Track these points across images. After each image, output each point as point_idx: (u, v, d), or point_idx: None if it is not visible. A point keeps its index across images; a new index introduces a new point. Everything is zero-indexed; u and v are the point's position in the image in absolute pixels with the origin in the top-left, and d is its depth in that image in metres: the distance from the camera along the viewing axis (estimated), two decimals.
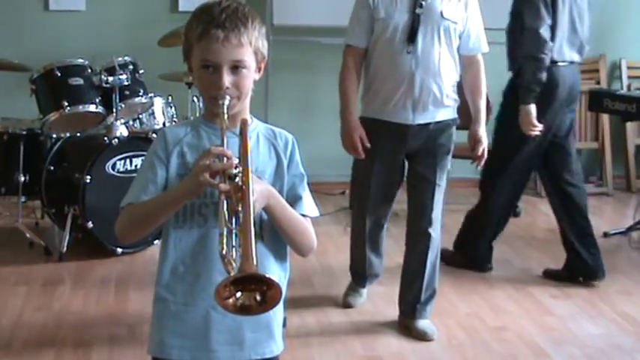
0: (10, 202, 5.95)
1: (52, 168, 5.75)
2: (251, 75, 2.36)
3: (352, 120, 4.43)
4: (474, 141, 4.45)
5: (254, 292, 2.04)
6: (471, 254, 5.50)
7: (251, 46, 2.33)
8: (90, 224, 5.45)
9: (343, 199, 7.11)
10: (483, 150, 4.44)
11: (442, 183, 4.43)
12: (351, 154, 4.48)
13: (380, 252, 4.86)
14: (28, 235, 5.74)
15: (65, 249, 5.56)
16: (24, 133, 5.81)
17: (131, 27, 7.06)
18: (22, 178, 5.73)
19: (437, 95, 4.29)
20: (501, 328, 4.65)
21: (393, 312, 4.76)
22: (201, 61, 2.32)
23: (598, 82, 7.63)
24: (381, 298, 5.01)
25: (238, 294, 2.03)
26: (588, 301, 5.06)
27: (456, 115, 4.43)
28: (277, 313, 2.43)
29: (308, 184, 2.47)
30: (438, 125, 4.36)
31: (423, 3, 4.21)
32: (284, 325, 2.54)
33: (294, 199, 2.40)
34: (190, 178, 2.23)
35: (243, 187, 2.14)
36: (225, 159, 2.19)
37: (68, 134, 5.92)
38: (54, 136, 5.92)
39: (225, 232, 2.13)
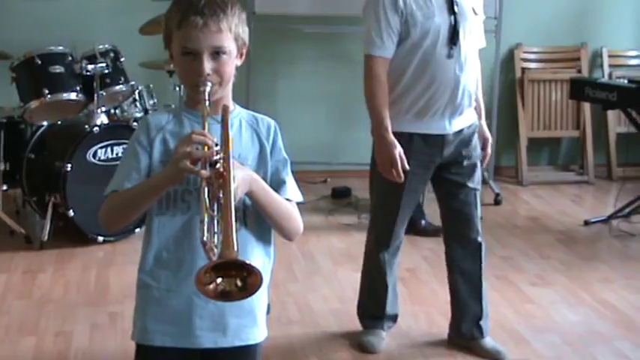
0: None
1: (32, 156, 5.75)
2: (232, 61, 2.37)
3: (389, 137, 3.90)
4: (483, 138, 4.23)
5: (235, 278, 2.05)
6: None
7: (231, 32, 2.34)
8: (71, 212, 5.46)
9: (324, 187, 7.13)
10: (487, 151, 4.28)
11: (480, 186, 4.19)
12: (389, 177, 3.94)
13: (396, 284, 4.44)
14: (8, 222, 5.73)
15: (46, 237, 5.56)
16: (4, 121, 5.80)
17: (112, 14, 7.04)
18: (3, 167, 5.73)
19: (471, 99, 4.08)
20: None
21: None
22: (181, 48, 2.34)
23: (579, 71, 7.67)
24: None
25: (219, 280, 2.05)
26: (568, 289, 5.10)
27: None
28: (261, 299, 2.45)
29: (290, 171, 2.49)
30: (470, 129, 4.12)
31: (458, 1, 3.95)
32: (268, 311, 2.56)
33: (278, 184, 2.41)
34: (171, 165, 2.24)
35: (224, 173, 2.15)
36: (205, 147, 2.20)
37: (49, 122, 5.91)
38: (34, 124, 5.91)
39: (206, 219, 2.14)
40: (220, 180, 2.15)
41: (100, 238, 5.61)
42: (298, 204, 2.46)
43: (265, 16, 6.78)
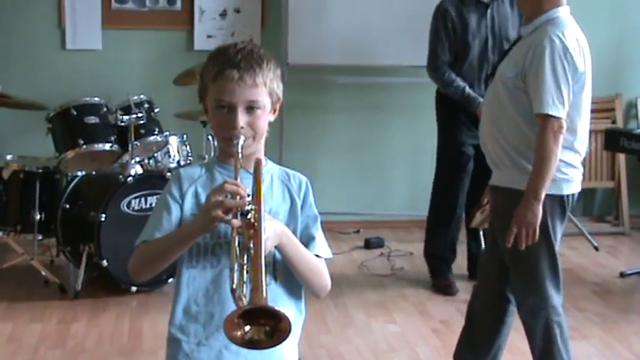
0: (26, 240, 5.98)
1: (67, 206, 5.80)
2: (265, 115, 2.40)
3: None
4: None
5: (263, 327, 2.05)
6: None
7: (266, 87, 2.37)
8: (105, 262, 5.49)
9: (357, 237, 7.12)
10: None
11: None
12: (525, 241, 3.77)
13: None
14: (43, 272, 5.77)
15: (80, 287, 5.59)
16: (40, 171, 5.87)
17: (147, 66, 7.13)
18: (38, 216, 5.78)
19: None
20: None
21: (407, 353, 4.78)
22: (216, 101, 2.37)
23: (614, 122, 7.65)
24: (394, 338, 5.03)
25: (247, 327, 2.05)
26: (604, 342, 5.06)
27: (520, 187, 3.91)
28: (291, 353, 2.45)
29: (321, 223, 2.49)
30: None
31: None
32: None
33: (307, 240, 2.42)
34: (203, 214, 2.26)
35: (255, 223, 2.16)
36: (238, 197, 2.21)
37: (84, 172, 5.97)
38: (69, 174, 5.97)
39: (236, 267, 2.15)
40: (251, 230, 2.17)
41: (134, 288, 5.63)
42: (328, 260, 2.46)
43: (298, 67, 6.84)
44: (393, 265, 6.43)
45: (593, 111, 7.88)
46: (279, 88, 2.43)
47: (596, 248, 6.82)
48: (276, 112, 2.46)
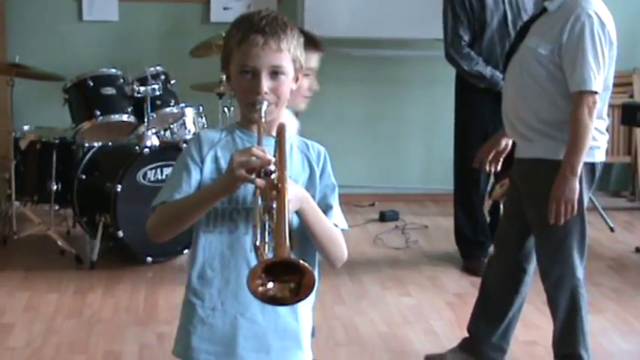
0: (43, 210, 6.02)
1: (83, 177, 5.81)
2: (289, 82, 2.38)
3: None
4: None
5: (287, 283, 2.03)
6: None
7: (289, 53, 2.36)
8: (120, 233, 5.50)
9: (372, 210, 7.11)
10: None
11: None
12: (565, 217, 3.76)
13: None
14: (59, 243, 5.79)
15: (96, 257, 5.61)
16: (57, 142, 5.89)
17: (163, 38, 7.12)
18: (55, 187, 5.80)
19: None
20: (532, 342, 4.63)
21: (421, 325, 4.78)
22: (240, 66, 2.35)
23: (631, 96, 7.59)
24: (409, 310, 5.03)
25: (270, 284, 2.03)
26: (620, 317, 5.04)
27: (551, 157, 3.91)
28: (305, 322, 2.45)
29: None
30: None
31: None
32: (313, 334, 2.54)
33: (325, 209, 2.40)
34: (227, 174, 2.25)
35: (279, 185, 2.15)
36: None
37: (100, 143, 5.98)
38: (86, 145, 5.98)
39: (259, 226, 2.13)
40: (274, 191, 2.15)
41: (149, 259, 5.64)
42: (343, 231, 2.45)
43: None
44: (408, 238, 6.42)
45: None
46: (302, 55, 2.42)
47: (612, 229, 6.75)
48: (298, 81, 2.45)
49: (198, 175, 2.38)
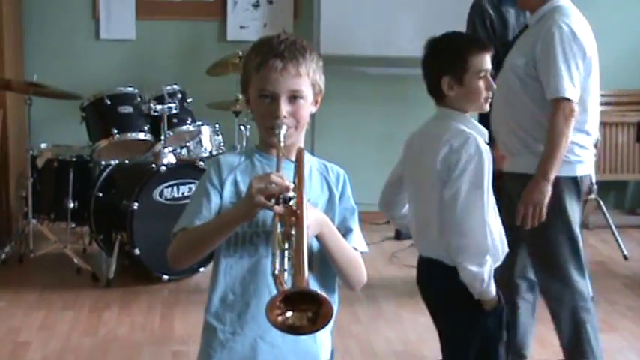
0: (59, 228, 6.02)
1: (100, 195, 5.82)
2: (308, 106, 2.39)
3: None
4: None
5: (305, 312, 2.03)
6: None
7: (308, 77, 2.36)
8: (137, 251, 5.50)
9: (388, 228, 7.09)
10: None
11: None
12: (532, 220, 3.82)
13: None
14: (76, 260, 5.79)
15: (112, 275, 5.61)
16: (74, 160, 5.90)
17: (180, 56, 7.15)
18: (72, 205, 5.82)
19: None
20: None
21: (437, 344, 4.75)
22: (259, 90, 2.35)
23: None
24: (425, 329, 5.00)
25: (289, 313, 2.03)
26: (635, 335, 5.00)
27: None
28: (325, 344, 2.44)
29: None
30: None
31: None
32: (332, 357, 2.53)
33: (345, 232, 2.40)
34: (245, 200, 2.24)
35: (298, 211, 2.15)
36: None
37: (117, 161, 5.99)
38: (103, 163, 5.99)
39: (278, 254, 2.13)
40: (293, 218, 2.15)
41: (165, 277, 5.64)
42: (363, 254, 2.44)
43: (330, 58, 6.78)
44: None
45: (624, 103, 7.87)
46: (321, 79, 2.42)
47: (625, 257, 6.64)
48: (318, 104, 2.45)
49: (218, 200, 2.38)
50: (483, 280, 3.05)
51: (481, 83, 3.12)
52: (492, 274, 3.09)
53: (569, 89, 3.77)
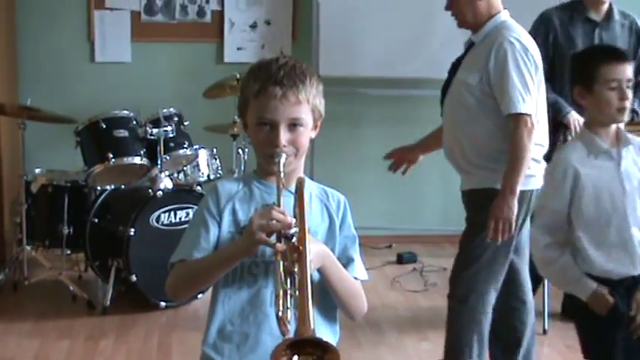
0: (54, 255, 5.97)
1: (96, 220, 5.80)
2: (307, 132, 2.38)
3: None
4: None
5: (310, 356, 2.01)
6: None
7: (308, 104, 2.35)
8: (134, 277, 5.47)
9: (389, 252, 7.07)
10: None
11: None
12: (502, 234, 3.95)
13: None
14: (71, 288, 5.76)
15: (108, 302, 5.57)
16: (68, 185, 5.89)
17: (176, 78, 7.13)
18: (66, 231, 5.80)
19: (465, 160, 4.13)
20: None
21: None
22: (257, 118, 2.34)
23: None
24: (427, 355, 4.97)
25: (295, 358, 2.01)
26: None
27: (488, 185, 4.05)
28: None
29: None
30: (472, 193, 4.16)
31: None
32: None
33: (346, 262, 2.40)
34: (246, 236, 2.23)
35: (300, 247, 2.14)
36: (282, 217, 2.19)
37: (113, 186, 5.98)
38: (98, 188, 5.97)
39: (281, 294, 2.11)
40: (295, 254, 2.14)
41: (163, 304, 5.60)
42: (363, 282, 2.44)
43: (329, 79, 6.77)
44: (427, 280, 6.37)
45: None
46: (321, 104, 2.42)
47: None
48: (317, 129, 2.45)
49: (216, 230, 2.37)
50: None
51: (612, 94, 3.14)
52: None
53: (528, 103, 3.88)
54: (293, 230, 2.17)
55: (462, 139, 4.08)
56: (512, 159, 3.86)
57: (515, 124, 3.87)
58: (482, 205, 3.95)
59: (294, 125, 2.33)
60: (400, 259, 6.89)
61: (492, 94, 3.95)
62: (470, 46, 4.19)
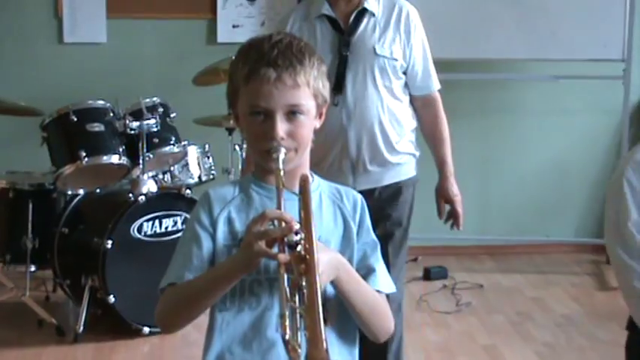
0: (17, 272, 5.98)
1: (66, 231, 5.82)
2: (310, 122, 2.35)
3: None
4: (445, 200, 4.48)
5: None
6: None
7: (309, 87, 2.32)
8: (111, 298, 5.48)
9: (415, 266, 7.08)
10: (458, 210, 4.51)
11: (397, 262, 4.41)
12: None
13: None
14: (36, 311, 5.78)
15: (81, 328, 5.59)
16: (33, 189, 5.91)
17: (161, 62, 7.15)
18: (31, 244, 5.81)
19: (381, 152, 4.17)
20: None
21: None
22: (249, 107, 2.32)
23: None
24: None
25: None
26: None
27: (413, 174, 4.37)
28: None
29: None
30: (385, 191, 4.25)
31: (350, 40, 4.06)
32: None
33: (366, 272, 2.38)
34: (243, 250, 2.20)
35: (307, 256, 2.11)
36: (282, 223, 2.16)
37: (86, 191, 6.00)
38: (69, 192, 5.99)
39: (287, 314, 2.08)
40: (302, 265, 2.11)
41: (146, 329, 5.60)
42: (390, 296, 2.42)
43: None
44: (459, 299, 6.39)
45: None
46: (324, 87, 2.38)
47: None
48: (322, 117, 2.42)
49: (210, 244, 2.35)
50: None
51: None
52: None
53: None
54: (298, 237, 2.13)
55: (376, 133, 4.24)
56: (445, 137, 4.44)
57: (436, 101, 4.36)
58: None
59: (292, 113, 2.30)
60: (428, 275, 6.91)
61: (400, 75, 4.22)
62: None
